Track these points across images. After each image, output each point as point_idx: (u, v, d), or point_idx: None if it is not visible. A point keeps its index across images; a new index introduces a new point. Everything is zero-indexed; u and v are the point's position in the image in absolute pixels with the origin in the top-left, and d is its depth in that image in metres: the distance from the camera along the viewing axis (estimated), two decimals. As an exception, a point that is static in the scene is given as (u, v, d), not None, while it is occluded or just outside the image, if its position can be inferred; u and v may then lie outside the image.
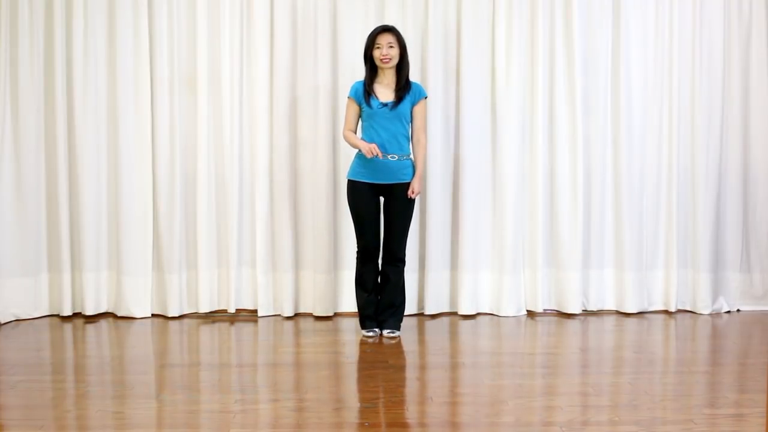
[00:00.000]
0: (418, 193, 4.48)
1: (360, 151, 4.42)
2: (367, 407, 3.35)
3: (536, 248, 5.12)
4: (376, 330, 4.56)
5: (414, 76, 5.05)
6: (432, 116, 5.02)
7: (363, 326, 4.58)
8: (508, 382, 3.69)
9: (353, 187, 4.46)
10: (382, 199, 4.52)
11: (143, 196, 5.00)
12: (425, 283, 5.08)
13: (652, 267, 5.23)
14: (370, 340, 4.46)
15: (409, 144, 4.50)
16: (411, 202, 4.48)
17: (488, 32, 5.08)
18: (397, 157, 4.40)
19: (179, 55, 5.01)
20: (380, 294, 4.59)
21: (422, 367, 4.03)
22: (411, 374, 3.87)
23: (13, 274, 4.92)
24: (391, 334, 4.53)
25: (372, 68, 4.45)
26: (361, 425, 3.13)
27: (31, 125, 4.92)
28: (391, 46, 4.39)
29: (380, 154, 4.33)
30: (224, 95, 4.99)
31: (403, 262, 4.57)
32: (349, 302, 5.10)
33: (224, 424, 3.13)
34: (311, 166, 5.01)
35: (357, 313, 4.69)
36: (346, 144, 4.66)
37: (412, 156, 4.51)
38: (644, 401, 3.39)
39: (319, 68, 4.98)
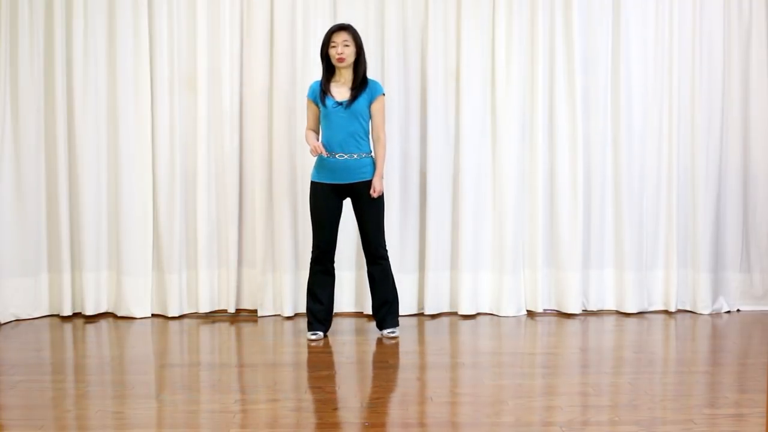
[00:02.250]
0: (380, 191, 4.41)
1: None
2: (367, 407, 3.35)
3: (536, 248, 5.12)
4: (320, 333, 4.50)
5: (414, 76, 5.07)
6: (432, 116, 5.02)
7: (309, 328, 4.52)
8: (508, 382, 3.69)
9: (314, 189, 4.44)
10: (348, 201, 4.50)
11: (143, 196, 5.00)
12: (425, 283, 5.08)
13: (652, 267, 5.23)
14: (313, 343, 4.41)
15: (368, 142, 4.46)
16: (378, 199, 4.43)
17: (488, 32, 5.08)
18: (355, 156, 4.38)
19: (179, 55, 5.01)
20: (372, 294, 4.57)
21: (422, 367, 4.03)
22: (411, 374, 3.87)
23: (13, 274, 4.93)
24: (392, 334, 4.52)
25: (329, 67, 4.44)
26: (361, 425, 3.13)
27: (31, 125, 4.92)
28: (347, 45, 4.36)
29: (325, 153, 4.31)
30: (224, 95, 4.99)
31: (386, 258, 4.51)
32: (348, 302, 5.12)
33: (224, 424, 3.13)
34: (311, 166, 5.00)
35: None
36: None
37: (372, 154, 4.48)
38: (644, 401, 3.39)
39: (319, 68, 4.97)
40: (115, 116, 5.00)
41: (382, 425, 3.13)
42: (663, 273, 5.23)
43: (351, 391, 3.61)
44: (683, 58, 5.15)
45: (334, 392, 3.57)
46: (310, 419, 3.20)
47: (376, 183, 4.39)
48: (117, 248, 5.03)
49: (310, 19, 4.98)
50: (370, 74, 5.01)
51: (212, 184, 5.06)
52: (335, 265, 4.55)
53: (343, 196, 4.47)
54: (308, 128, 4.50)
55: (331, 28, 4.42)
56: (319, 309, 4.50)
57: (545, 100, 5.11)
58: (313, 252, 4.48)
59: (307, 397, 3.48)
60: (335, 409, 3.33)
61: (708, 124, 5.16)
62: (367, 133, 4.45)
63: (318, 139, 4.45)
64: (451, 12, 5.06)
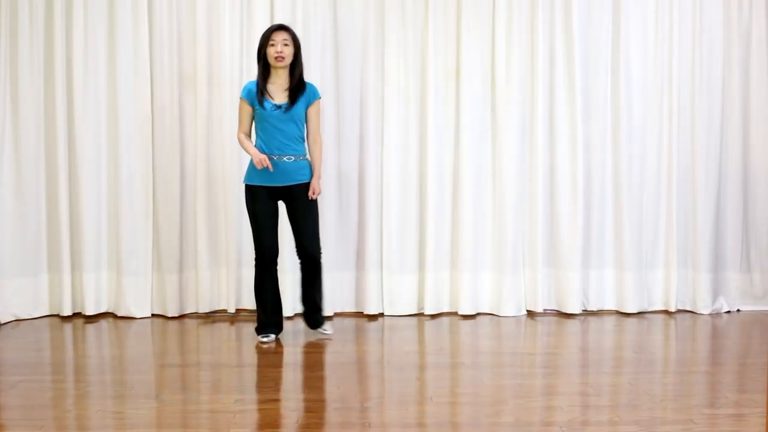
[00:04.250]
0: (319, 193, 4.42)
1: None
2: (367, 407, 3.35)
3: (536, 248, 5.12)
4: (272, 336, 4.47)
5: (414, 75, 5.07)
6: (431, 116, 5.03)
7: (259, 332, 4.48)
8: (508, 382, 3.69)
9: (250, 192, 4.37)
10: (281, 203, 4.45)
11: (143, 196, 5.00)
12: (425, 283, 5.08)
13: (652, 267, 5.23)
14: (265, 346, 4.38)
15: (304, 145, 4.42)
16: (314, 201, 4.42)
17: (488, 32, 5.08)
18: (293, 158, 4.34)
19: (179, 54, 5.01)
20: (303, 295, 4.52)
21: (422, 367, 4.03)
22: (411, 374, 3.87)
23: (13, 274, 4.92)
24: (326, 332, 4.51)
25: (265, 68, 4.37)
26: (361, 425, 3.13)
27: (31, 125, 4.92)
28: (286, 44, 4.31)
29: (270, 167, 4.26)
30: (224, 94, 4.99)
31: (320, 261, 4.48)
32: (349, 302, 5.11)
33: (224, 424, 3.13)
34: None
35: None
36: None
37: (308, 156, 4.44)
38: (644, 401, 3.39)
39: (315, 67, 4.97)
40: (115, 116, 4.99)
41: (382, 425, 3.13)
42: (663, 273, 5.23)
43: (351, 391, 3.61)
44: (683, 57, 5.15)
45: (333, 392, 3.57)
46: (310, 419, 3.20)
47: (315, 184, 4.38)
48: (117, 248, 5.03)
49: (310, 19, 4.98)
50: (372, 74, 5.04)
51: (212, 184, 5.05)
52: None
53: (277, 199, 4.42)
54: (242, 131, 4.40)
55: (270, 28, 4.38)
56: (272, 313, 4.46)
57: (545, 99, 5.11)
58: (257, 257, 4.42)
59: (307, 397, 3.48)
60: (335, 409, 3.33)
61: (708, 123, 5.16)
62: (302, 136, 4.41)
63: (252, 142, 4.40)
64: (451, 12, 5.06)
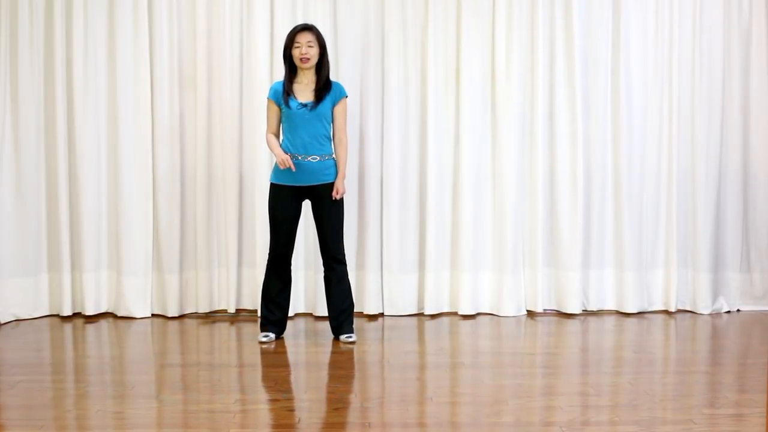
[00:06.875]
0: (343, 193, 4.37)
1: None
2: (367, 407, 3.35)
3: (536, 248, 5.12)
4: (272, 336, 4.45)
5: (414, 75, 5.07)
6: (432, 116, 5.03)
7: (261, 330, 4.48)
8: (508, 382, 3.69)
9: (274, 191, 4.36)
10: (308, 203, 4.44)
11: (143, 196, 5.00)
12: (425, 283, 5.08)
13: (652, 267, 5.23)
14: (264, 346, 4.37)
15: (330, 144, 4.41)
16: (338, 202, 4.38)
17: (488, 32, 5.08)
18: (318, 158, 4.32)
19: (179, 54, 5.02)
20: (327, 299, 4.47)
21: (422, 367, 4.04)
22: (411, 374, 3.87)
23: (13, 274, 4.92)
24: (349, 339, 4.41)
25: (291, 68, 4.37)
26: (361, 425, 3.13)
27: (31, 125, 4.93)
28: (311, 46, 4.30)
29: (293, 167, 4.24)
30: (224, 94, 4.99)
31: (344, 263, 4.43)
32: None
33: (224, 424, 3.13)
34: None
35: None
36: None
37: (334, 156, 4.42)
38: (644, 401, 3.39)
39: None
40: (115, 116, 5.00)
41: (382, 425, 3.13)
42: (663, 273, 5.23)
43: (351, 391, 3.61)
44: (683, 58, 5.15)
45: (334, 392, 3.57)
46: (310, 419, 3.20)
47: (339, 184, 4.34)
48: (117, 248, 5.03)
49: (309, 19, 4.97)
50: (372, 74, 5.05)
51: (212, 184, 5.06)
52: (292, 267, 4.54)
53: (302, 199, 4.40)
54: (269, 131, 4.41)
55: (295, 28, 4.37)
56: (274, 312, 4.45)
57: (545, 99, 5.11)
58: (269, 255, 4.42)
59: (307, 397, 3.48)
60: (335, 409, 3.34)
61: (708, 124, 5.16)
62: (329, 135, 4.40)
63: (280, 142, 4.40)
64: (451, 12, 5.06)
